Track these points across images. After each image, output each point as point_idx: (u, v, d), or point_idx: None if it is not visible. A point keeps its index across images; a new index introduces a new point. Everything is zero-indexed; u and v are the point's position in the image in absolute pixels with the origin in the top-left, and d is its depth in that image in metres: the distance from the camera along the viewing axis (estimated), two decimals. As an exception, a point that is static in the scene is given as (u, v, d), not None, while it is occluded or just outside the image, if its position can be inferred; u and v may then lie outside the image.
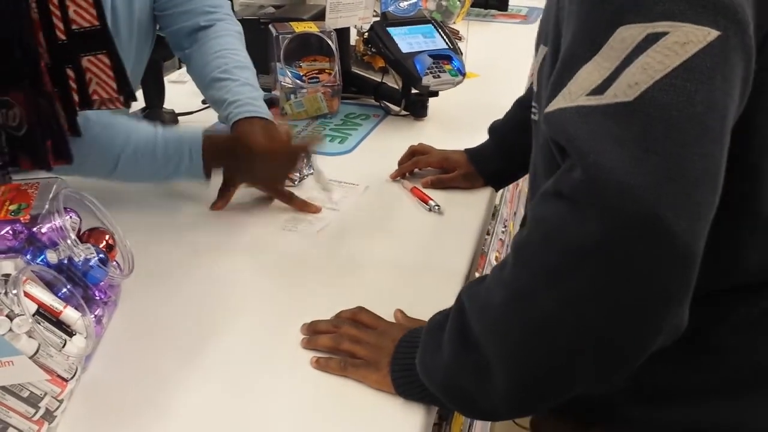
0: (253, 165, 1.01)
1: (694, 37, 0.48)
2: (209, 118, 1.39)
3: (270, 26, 1.39)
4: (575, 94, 0.52)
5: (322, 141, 1.05)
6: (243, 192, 1.07)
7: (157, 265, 0.87)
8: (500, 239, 1.70)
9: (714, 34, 0.48)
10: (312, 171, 1.11)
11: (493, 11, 2.43)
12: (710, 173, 0.49)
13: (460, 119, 1.44)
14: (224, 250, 0.94)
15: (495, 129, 1.14)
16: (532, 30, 2.26)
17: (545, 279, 0.52)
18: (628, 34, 0.50)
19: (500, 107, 1.49)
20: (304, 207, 1.05)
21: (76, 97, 0.69)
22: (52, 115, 0.67)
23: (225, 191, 1.06)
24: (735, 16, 0.49)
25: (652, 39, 0.49)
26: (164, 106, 1.39)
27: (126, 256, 0.77)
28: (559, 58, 0.57)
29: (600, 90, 0.50)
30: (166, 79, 1.44)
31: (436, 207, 1.04)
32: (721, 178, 0.50)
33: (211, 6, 1.17)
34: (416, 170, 1.16)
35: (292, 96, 1.36)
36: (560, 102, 0.53)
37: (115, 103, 0.71)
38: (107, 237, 0.74)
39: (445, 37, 1.43)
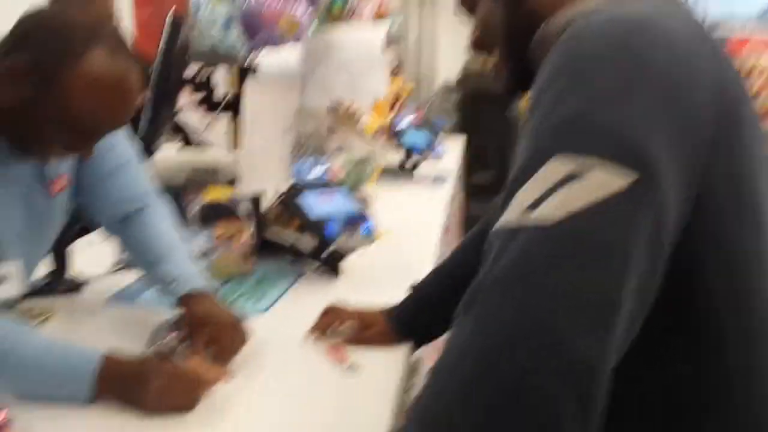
0: (149, 397, 0.89)
1: (611, 181, 0.55)
2: (119, 281, 1.36)
3: (184, 193, 1.41)
4: (511, 213, 0.58)
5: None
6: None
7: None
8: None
9: (628, 181, 0.55)
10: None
11: (403, 176, 2.56)
12: (607, 301, 0.53)
13: (373, 277, 1.46)
14: (125, 426, 0.87)
15: (416, 288, 1.16)
16: (440, 193, 2.40)
17: (456, 403, 0.53)
18: (558, 166, 0.56)
19: (411, 264, 1.54)
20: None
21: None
22: None
23: None
24: (650, 169, 0.56)
25: (576, 175, 0.55)
26: (69, 271, 1.35)
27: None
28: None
29: (529, 211, 0.56)
30: (74, 242, 1.40)
31: (353, 366, 1.02)
32: (621, 308, 0.53)
33: (138, 192, 1.20)
34: (333, 328, 1.15)
35: (206, 259, 1.36)
36: (501, 221, 0.58)
37: None
38: (1, 414, 0.68)
39: (355, 201, 1.49)
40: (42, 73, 0.91)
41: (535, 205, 0.56)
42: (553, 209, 0.55)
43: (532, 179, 0.58)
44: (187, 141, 2.08)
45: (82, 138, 0.97)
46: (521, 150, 0.63)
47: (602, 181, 0.55)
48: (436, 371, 0.56)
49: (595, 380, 0.52)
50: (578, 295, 0.53)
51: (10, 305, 1.15)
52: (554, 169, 0.57)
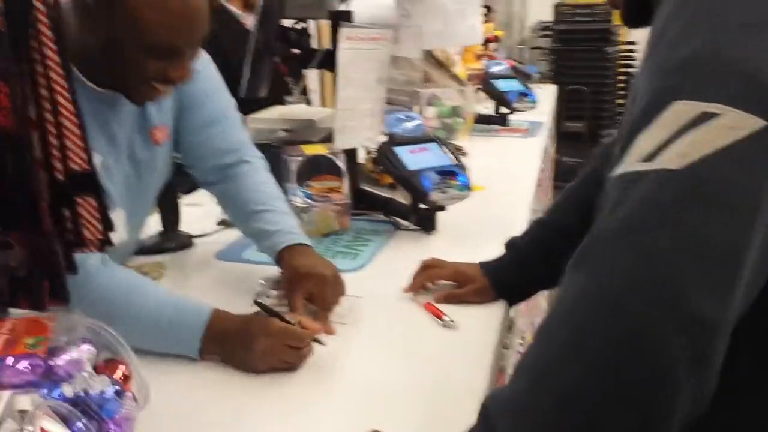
0: (253, 358, 0.92)
1: (742, 123, 0.51)
2: (225, 238, 1.42)
3: (281, 150, 1.45)
4: (631, 159, 0.55)
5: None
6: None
7: (171, 396, 0.86)
8: (518, 352, 1.68)
9: (761, 123, 0.51)
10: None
11: (495, 126, 2.52)
12: (733, 252, 0.51)
13: (469, 232, 1.46)
14: (235, 381, 0.92)
15: (513, 244, 1.15)
16: (533, 143, 2.34)
17: (568, 350, 0.52)
18: (683, 109, 0.53)
19: (508, 218, 1.53)
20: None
21: (71, 237, 0.69)
22: (51, 255, 0.66)
23: None
24: None
25: (704, 117, 0.52)
26: (180, 228, 1.42)
27: (141, 387, 0.76)
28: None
29: (651, 157, 0.54)
30: (181, 201, 1.48)
31: (451, 322, 1.04)
32: (746, 260, 0.51)
33: (234, 143, 1.21)
34: (429, 285, 1.17)
35: (304, 215, 1.40)
36: (620, 168, 0.56)
37: (90, 247, 0.70)
38: (123, 368, 0.74)
39: (449, 154, 1.48)
40: (105, 1, 0.90)
41: (658, 150, 0.53)
42: (680, 154, 0.52)
43: (654, 123, 0.55)
44: (283, 98, 2.12)
45: (161, 58, 0.94)
46: (641, 89, 0.60)
47: (731, 124, 0.52)
48: (548, 322, 0.56)
49: (714, 339, 0.50)
50: (703, 244, 0.50)
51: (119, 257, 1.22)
52: (679, 112, 0.54)
